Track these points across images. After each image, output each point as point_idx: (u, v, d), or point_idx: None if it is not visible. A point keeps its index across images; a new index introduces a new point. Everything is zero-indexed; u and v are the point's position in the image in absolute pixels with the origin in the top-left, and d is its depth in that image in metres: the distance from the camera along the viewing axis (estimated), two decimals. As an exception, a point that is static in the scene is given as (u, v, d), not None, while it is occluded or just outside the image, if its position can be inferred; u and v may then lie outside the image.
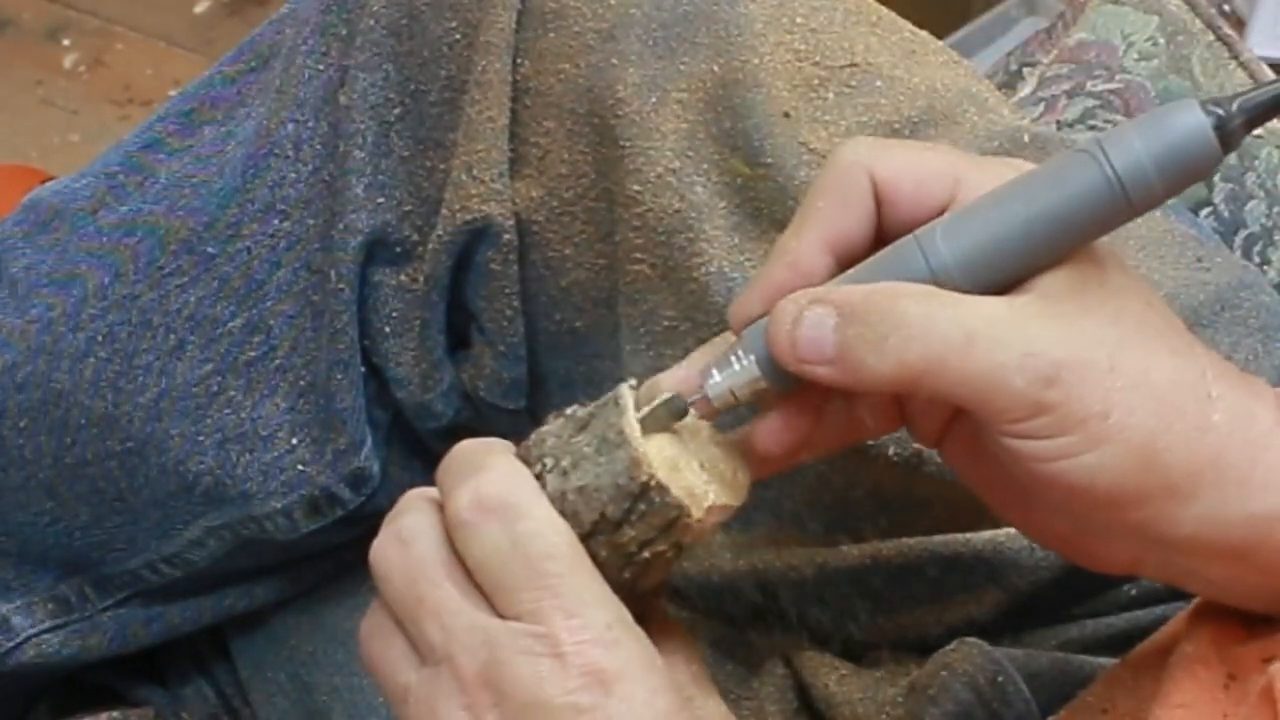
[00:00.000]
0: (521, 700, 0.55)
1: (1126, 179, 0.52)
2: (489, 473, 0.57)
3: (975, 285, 0.54)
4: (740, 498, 0.59)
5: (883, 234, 0.57)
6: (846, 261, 0.57)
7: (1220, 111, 0.52)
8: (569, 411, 0.59)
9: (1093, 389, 0.54)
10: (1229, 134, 0.52)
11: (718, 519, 0.58)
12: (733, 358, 0.58)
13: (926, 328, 0.53)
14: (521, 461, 0.58)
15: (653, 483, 0.56)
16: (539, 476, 0.58)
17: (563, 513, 0.57)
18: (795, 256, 0.57)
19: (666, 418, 0.58)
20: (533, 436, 0.59)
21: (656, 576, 0.59)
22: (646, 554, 0.57)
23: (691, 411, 0.58)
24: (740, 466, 0.60)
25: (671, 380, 0.60)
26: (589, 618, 0.55)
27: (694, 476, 0.57)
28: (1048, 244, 0.54)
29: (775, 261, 0.58)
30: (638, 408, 0.58)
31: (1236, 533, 0.56)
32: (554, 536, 0.56)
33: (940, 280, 0.54)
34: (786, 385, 0.57)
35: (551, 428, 0.59)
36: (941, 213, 0.56)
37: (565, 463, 0.57)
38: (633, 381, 0.59)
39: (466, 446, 0.59)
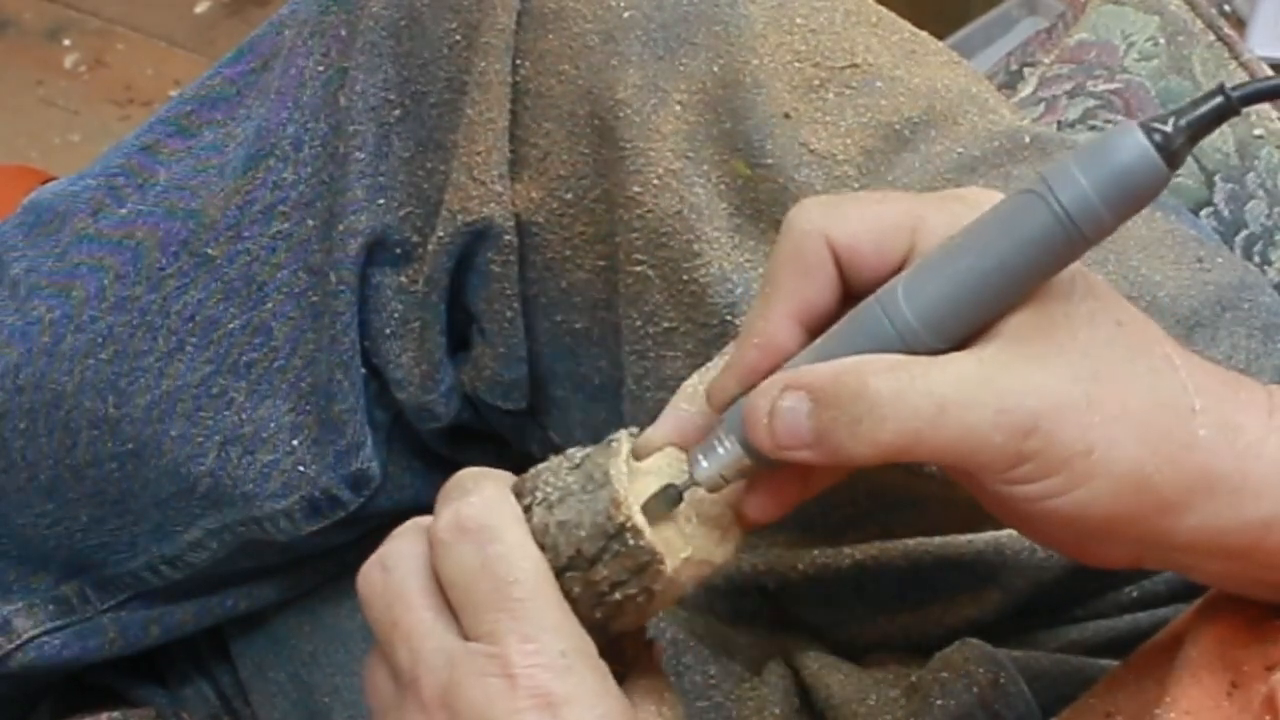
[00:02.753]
0: (472, 719, 0.56)
1: (1075, 214, 0.52)
2: (472, 496, 0.58)
3: (942, 340, 0.54)
4: (724, 557, 0.60)
5: (848, 293, 0.57)
6: (815, 329, 0.57)
7: (1164, 129, 0.52)
8: (569, 452, 0.60)
9: (1072, 429, 0.53)
10: (1173, 153, 0.52)
11: (695, 574, 0.59)
12: (716, 442, 0.58)
13: (897, 405, 0.53)
14: (515, 493, 0.59)
15: (629, 525, 0.57)
16: (527, 509, 0.59)
17: (543, 545, 0.58)
18: (765, 335, 0.57)
19: (663, 506, 0.58)
20: (530, 471, 0.60)
21: (629, 620, 0.59)
22: (618, 595, 0.58)
23: (685, 495, 0.59)
24: (733, 526, 0.60)
25: (661, 433, 0.60)
26: (544, 643, 0.56)
27: (677, 531, 0.58)
28: (1007, 290, 0.54)
29: (745, 342, 0.58)
30: (638, 456, 0.59)
31: (1233, 538, 0.56)
32: (523, 562, 0.57)
33: (908, 341, 0.54)
34: (772, 462, 0.57)
35: (549, 464, 0.60)
36: (903, 265, 0.56)
37: (553, 497, 0.59)
38: (634, 430, 0.60)
39: (464, 472, 0.60)
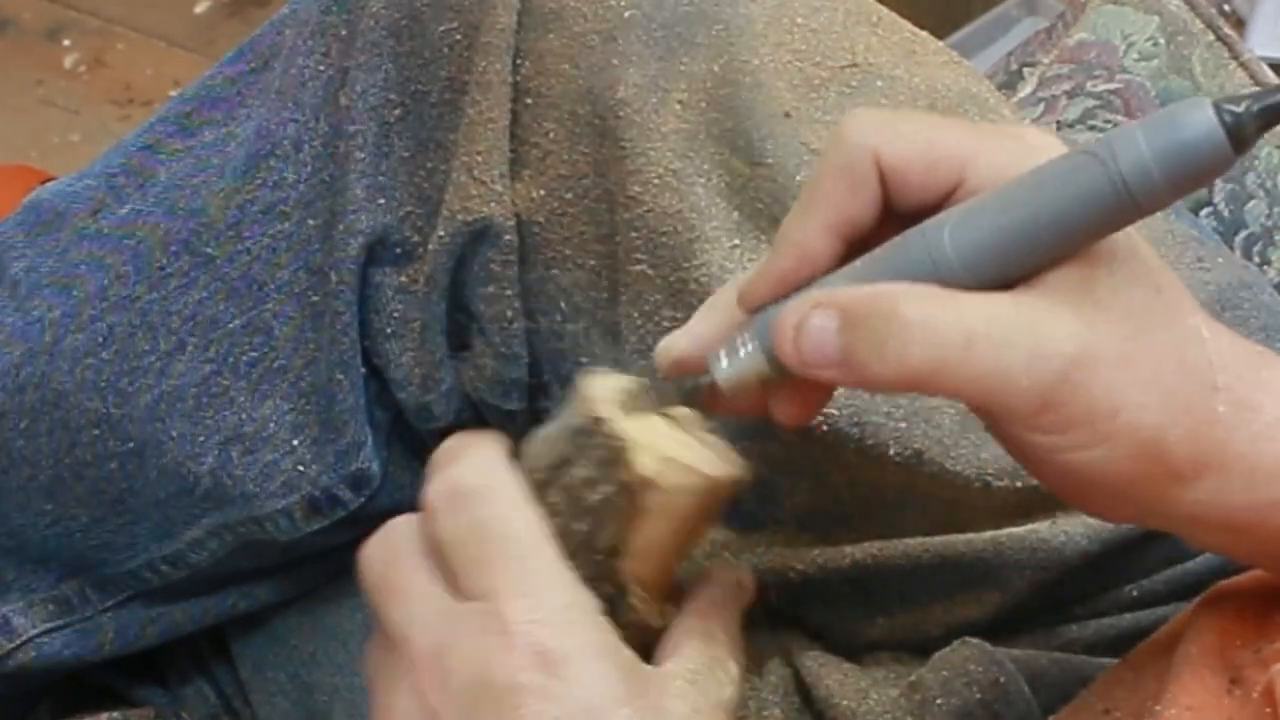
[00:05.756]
0: (467, 678, 0.55)
1: (1131, 180, 0.52)
2: (465, 460, 0.58)
3: (980, 282, 0.54)
4: (716, 471, 0.59)
5: (889, 212, 0.57)
6: (852, 242, 0.57)
7: (1234, 110, 0.51)
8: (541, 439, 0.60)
9: (1102, 386, 0.53)
10: (1243, 136, 0.51)
11: (682, 482, 0.58)
12: (740, 343, 0.58)
13: (926, 331, 0.53)
14: (512, 456, 0.59)
15: (599, 418, 0.57)
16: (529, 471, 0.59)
17: (533, 469, 0.58)
18: (802, 244, 0.57)
19: (677, 394, 0.59)
20: (530, 434, 0.60)
21: (614, 532, 0.58)
22: (596, 497, 0.58)
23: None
24: (731, 462, 0.60)
25: (684, 342, 0.60)
26: (542, 599, 0.56)
27: (668, 437, 0.58)
28: (1053, 244, 0.53)
29: (782, 248, 0.57)
30: (660, 361, 0.59)
31: (1238, 515, 0.56)
32: (517, 519, 0.57)
33: (944, 277, 0.54)
34: (791, 375, 0.57)
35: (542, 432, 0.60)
36: (949, 194, 0.56)
37: (540, 432, 0.59)
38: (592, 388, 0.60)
39: (454, 437, 0.60)
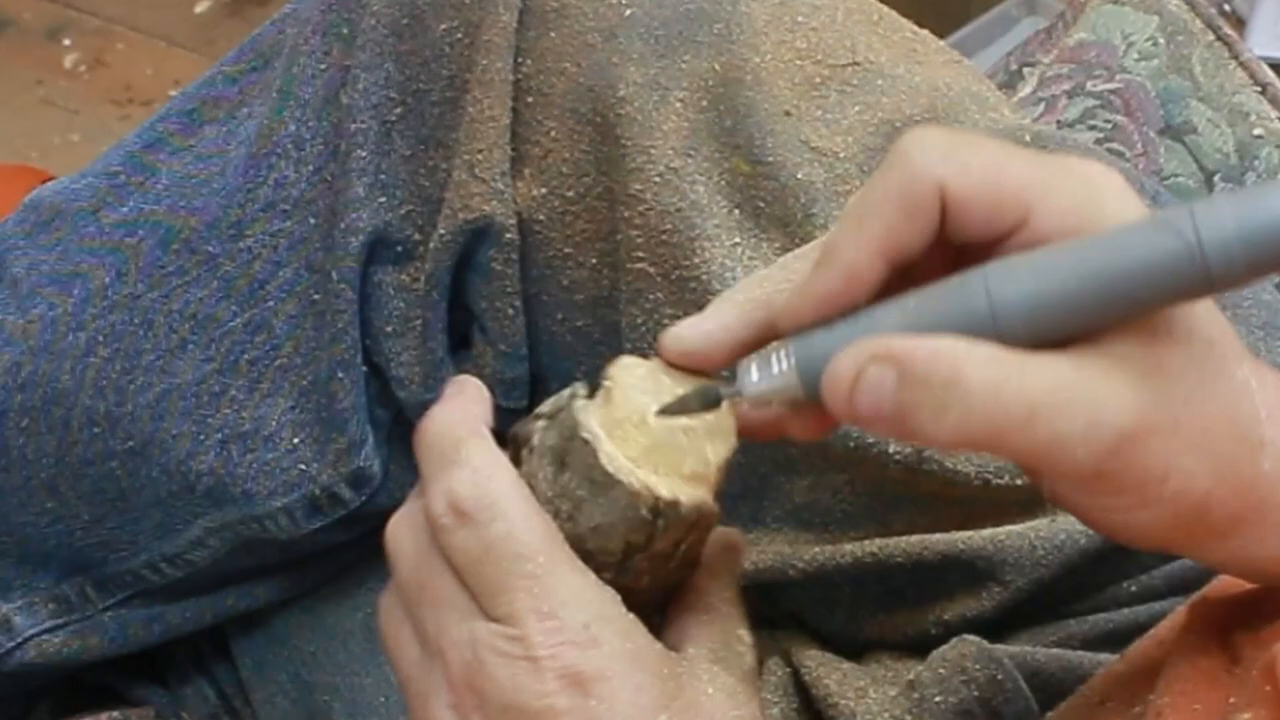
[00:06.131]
0: (501, 703, 0.55)
1: (1211, 256, 0.50)
2: (462, 470, 0.56)
3: (1037, 339, 0.52)
4: (690, 498, 0.58)
5: (942, 241, 0.54)
6: (901, 267, 0.54)
7: None
8: (536, 440, 0.58)
9: (1155, 455, 0.52)
10: None
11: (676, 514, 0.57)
12: (775, 360, 0.55)
13: (989, 402, 0.51)
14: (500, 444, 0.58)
15: (662, 504, 0.56)
16: (516, 460, 0.57)
17: (588, 552, 0.56)
18: (851, 266, 0.54)
19: (696, 406, 0.57)
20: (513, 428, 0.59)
21: (701, 546, 0.59)
22: (683, 547, 0.57)
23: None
24: (719, 438, 0.59)
25: (693, 336, 0.58)
26: (565, 618, 0.55)
27: (682, 454, 0.57)
28: (1119, 311, 0.52)
29: (830, 268, 0.54)
30: (668, 349, 0.57)
31: (1263, 566, 0.56)
32: (528, 536, 0.55)
33: (1003, 331, 0.52)
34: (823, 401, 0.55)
35: (531, 441, 0.58)
36: (1011, 234, 0.53)
37: (565, 508, 0.57)
38: (581, 390, 0.58)
39: (443, 436, 0.58)
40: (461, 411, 0.59)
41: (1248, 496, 0.53)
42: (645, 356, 0.60)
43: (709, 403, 0.57)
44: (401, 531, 0.58)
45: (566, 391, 0.58)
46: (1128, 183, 0.54)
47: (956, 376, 0.51)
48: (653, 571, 0.57)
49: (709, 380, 0.58)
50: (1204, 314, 0.53)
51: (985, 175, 0.53)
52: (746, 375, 0.56)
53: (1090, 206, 0.53)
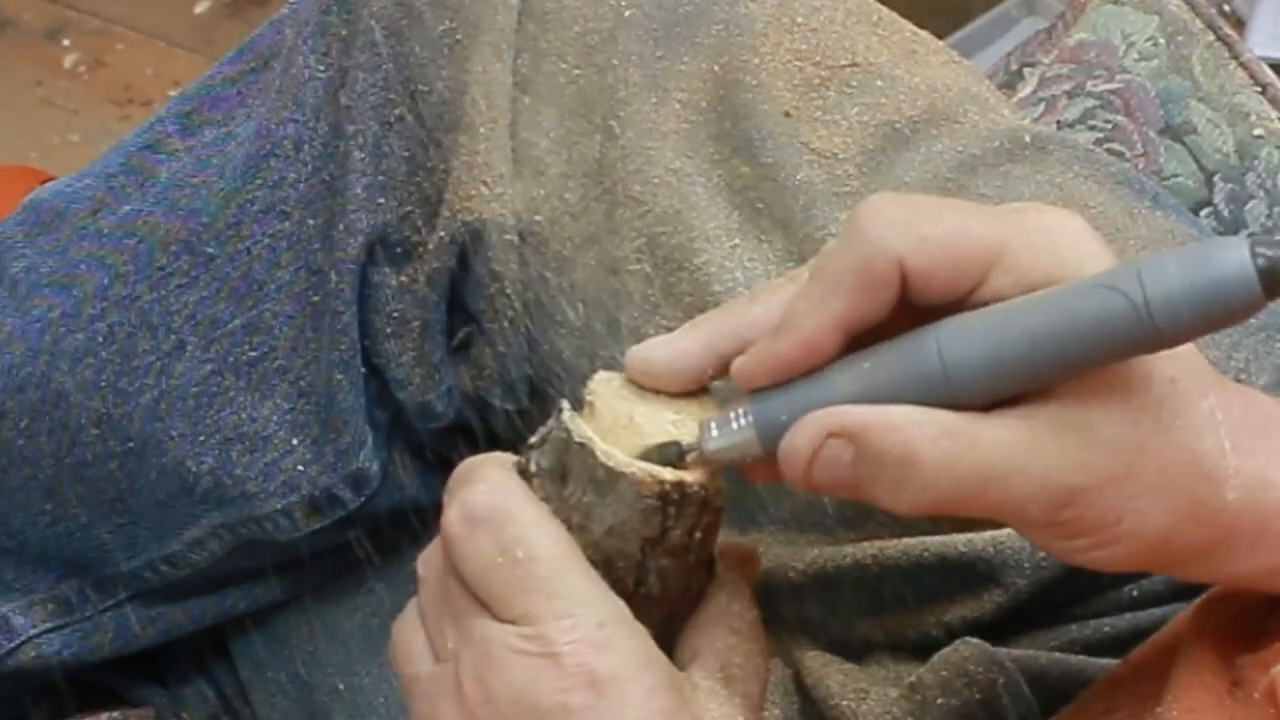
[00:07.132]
0: (510, 699, 0.55)
1: (1157, 313, 0.50)
2: (477, 484, 0.58)
3: (990, 396, 0.53)
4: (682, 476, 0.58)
5: (900, 307, 0.55)
6: (860, 335, 0.56)
7: (1269, 254, 0.49)
8: (533, 466, 0.59)
9: (1109, 502, 0.53)
10: (1275, 280, 0.49)
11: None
12: (734, 420, 0.57)
13: (942, 477, 0.53)
14: (518, 471, 0.59)
15: (668, 487, 0.57)
16: (527, 477, 0.58)
17: (606, 559, 0.57)
18: (811, 338, 0.55)
19: (658, 460, 0.58)
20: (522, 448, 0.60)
21: (715, 533, 0.59)
22: (698, 535, 0.58)
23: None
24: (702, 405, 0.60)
25: (661, 355, 0.59)
26: (580, 617, 0.55)
27: (666, 424, 0.58)
28: (1069, 369, 0.52)
29: (788, 337, 0.55)
30: (634, 366, 0.58)
31: (1245, 580, 0.57)
32: (541, 539, 0.56)
33: (954, 390, 0.53)
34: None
35: (529, 469, 0.59)
36: (973, 291, 0.54)
37: (576, 519, 0.58)
38: (566, 406, 0.59)
39: (464, 463, 0.60)
40: (483, 455, 0.60)
41: (1210, 529, 0.54)
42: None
43: (669, 459, 0.58)
44: (427, 557, 0.59)
45: (551, 418, 0.59)
46: (1087, 227, 0.55)
47: (911, 455, 0.53)
48: (674, 571, 0.58)
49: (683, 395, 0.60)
50: (1165, 364, 0.53)
51: (943, 244, 0.54)
52: (708, 433, 0.58)
53: (1049, 258, 0.54)
